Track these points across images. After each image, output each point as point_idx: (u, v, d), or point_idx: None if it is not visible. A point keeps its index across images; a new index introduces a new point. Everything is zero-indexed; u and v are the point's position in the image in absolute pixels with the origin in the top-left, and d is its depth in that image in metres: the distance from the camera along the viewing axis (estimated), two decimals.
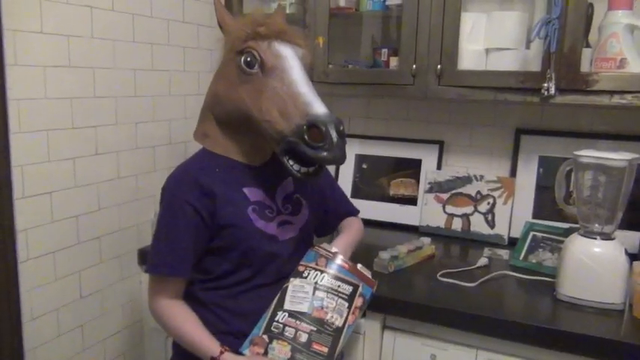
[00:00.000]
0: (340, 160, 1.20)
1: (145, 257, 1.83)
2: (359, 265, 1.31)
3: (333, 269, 1.28)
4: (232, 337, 1.26)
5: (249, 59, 1.22)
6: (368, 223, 2.05)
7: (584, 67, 1.59)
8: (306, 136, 1.16)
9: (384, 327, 1.51)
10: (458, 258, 1.85)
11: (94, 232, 1.67)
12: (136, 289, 1.87)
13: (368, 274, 1.31)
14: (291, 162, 1.20)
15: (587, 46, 1.65)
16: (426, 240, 1.79)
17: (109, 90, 1.68)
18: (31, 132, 1.45)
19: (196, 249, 1.26)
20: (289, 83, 1.21)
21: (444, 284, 1.54)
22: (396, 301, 1.46)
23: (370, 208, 2.09)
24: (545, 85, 1.55)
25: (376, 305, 1.48)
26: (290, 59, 1.24)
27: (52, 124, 1.51)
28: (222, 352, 1.21)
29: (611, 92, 1.53)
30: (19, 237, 1.44)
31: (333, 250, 1.31)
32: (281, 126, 1.19)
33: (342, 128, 1.18)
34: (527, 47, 1.72)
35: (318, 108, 1.18)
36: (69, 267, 1.60)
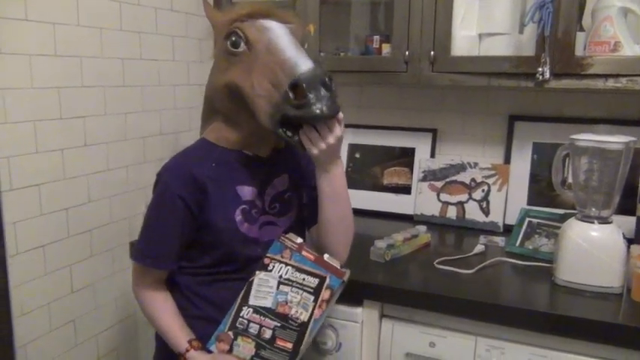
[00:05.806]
0: (329, 111, 1.11)
1: None
2: (326, 256, 1.26)
3: (297, 262, 1.24)
4: (204, 321, 1.25)
5: (233, 39, 1.18)
6: (362, 212, 2.05)
7: (579, 51, 1.58)
8: (291, 97, 1.09)
9: (382, 315, 1.50)
10: (454, 246, 1.84)
11: (84, 225, 1.64)
12: (129, 283, 1.81)
13: (336, 264, 1.25)
14: (287, 131, 1.15)
15: (581, 30, 1.64)
16: (422, 228, 1.77)
17: (97, 79, 1.64)
18: (17, 123, 1.41)
19: (183, 241, 1.25)
20: (276, 51, 1.14)
21: (441, 272, 1.53)
22: (393, 289, 1.45)
23: (364, 198, 2.08)
24: (540, 69, 1.54)
25: (374, 294, 1.47)
26: (276, 29, 1.18)
27: (39, 115, 1.47)
28: (187, 350, 1.21)
29: (606, 76, 1.52)
30: (8, 230, 1.41)
31: (298, 241, 1.26)
32: (275, 98, 1.12)
33: (327, 80, 1.11)
34: (521, 32, 1.71)
35: (303, 65, 1.11)
36: (59, 261, 1.57)
